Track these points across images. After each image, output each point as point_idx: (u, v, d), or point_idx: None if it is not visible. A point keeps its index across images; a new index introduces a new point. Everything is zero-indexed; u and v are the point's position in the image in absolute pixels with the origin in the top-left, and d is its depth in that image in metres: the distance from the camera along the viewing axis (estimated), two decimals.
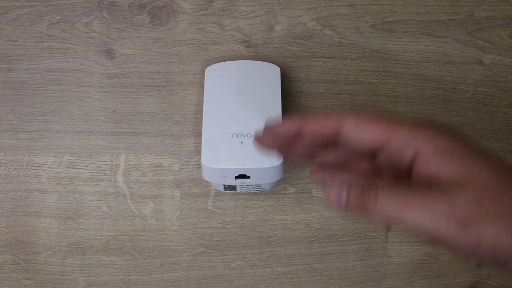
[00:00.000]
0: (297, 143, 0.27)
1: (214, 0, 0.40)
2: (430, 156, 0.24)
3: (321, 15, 0.41)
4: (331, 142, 0.26)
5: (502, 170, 0.24)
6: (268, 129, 0.27)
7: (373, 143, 0.25)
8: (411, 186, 0.24)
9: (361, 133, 0.25)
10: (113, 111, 0.40)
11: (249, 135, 0.35)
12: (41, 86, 0.40)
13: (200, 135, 0.40)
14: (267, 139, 0.27)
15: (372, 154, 0.26)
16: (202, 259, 0.41)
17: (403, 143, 0.24)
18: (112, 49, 0.40)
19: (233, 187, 0.36)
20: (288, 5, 0.41)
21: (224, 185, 0.36)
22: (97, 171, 0.40)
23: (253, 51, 0.41)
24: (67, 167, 0.40)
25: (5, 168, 0.40)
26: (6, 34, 0.39)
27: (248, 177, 0.35)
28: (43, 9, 0.39)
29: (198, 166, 0.41)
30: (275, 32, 0.41)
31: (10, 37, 0.39)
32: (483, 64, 0.42)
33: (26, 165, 0.40)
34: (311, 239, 0.42)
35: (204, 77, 0.39)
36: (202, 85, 0.40)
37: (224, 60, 0.40)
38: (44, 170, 0.40)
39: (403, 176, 0.26)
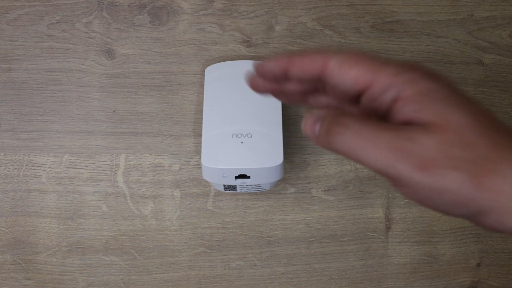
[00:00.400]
0: (287, 85, 0.27)
1: (214, 0, 0.40)
2: (411, 99, 0.23)
3: (321, 15, 0.41)
4: (319, 85, 0.26)
5: (484, 117, 0.23)
6: (257, 69, 0.27)
7: (356, 84, 0.24)
8: (382, 124, 0.22)
9: (345, 73, 0.24)
10: (113, 111, 0.40)
11: (249, 135, 0.35)
12: (41, 86, 0.40)
13: (200, 135, 0.40)
14: (258, 80, 0.27)
15: (357, 98, 0.25)
16: (202, 259, 0.41)
17: (386, 85, 0.23)
18: (112, 49, 0.40)
19: (233, 187, 0.36)
20: (288, 5, 0.41)
21: (224, 185, 0.36)
22: (97, 171, 0.40)
23: (253, 51, 0.41)
24: (67, 167, 0.40)
25: (5, 168, 0.40)
26: (6, 34, 0.39)
27: (248, 177, 0.35)
28: (43, 9, 0.39)
29: (198, 166, 0.41)
30: (275, 32, 0.41)
31: (10, 37, 0.39)
32: (483, 64, 0.42)
33: (26, 165, 0.40)
34: (311, 239, 0.42)
35: (204, 77, 0.39)
36: (202, 85, 0.40)
37: (224, 60, 0.40)
38: (44, 170, 0.40)
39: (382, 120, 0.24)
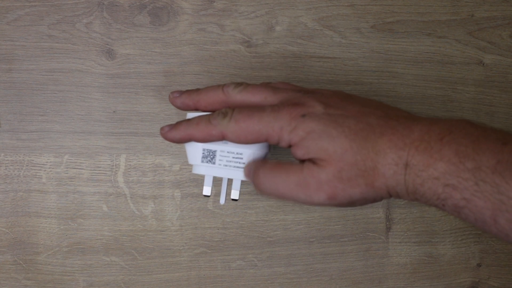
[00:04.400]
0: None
1: (215, 0, 0.40)
2: (298, 146, 0.29)
3: (321, 15, 0.41)
4: None
5: (358, 133, 0.28)
6: (171, 101, 0.33)
7: (257, 142, 0.31)
8: (291, 168, 0.29)
9: (243, 141, 0.31)
10: (114, 111, 0.40)
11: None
12: (41, 86, 0.40)
13: None
14: (169, 138, 0.32)
15: None
16: (203, 259, 0.41)
17: (277, 139, 0.30)
18: (112, 49, 0.40)
19: (213, 155, 0.33)
20: (288, 5, 0.41)
21: (203, 150, 0.33)
22: (98, 172, 0.40)
23: (253, 52, 0.41)
24: (67, 167, 0.40)
25: (6, 169, 0.40)
26: (6, 34, 0.39)
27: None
28: (44, 9, 0.39)
29: None
30: (275, 33, 0.41)
31: (11, 37, 0.39)
32: (483, 64, 0.42)
33: (27, 166, 0.40)
34: (312, 239, 0.42)
35: (203, 77, 0.39)
36: (202, 85, 0.40)
37: (224, 60, 0.40)
38: (45, 171, 0.40)
39: None
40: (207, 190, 0.35)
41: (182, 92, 0.33)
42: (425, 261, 0.42)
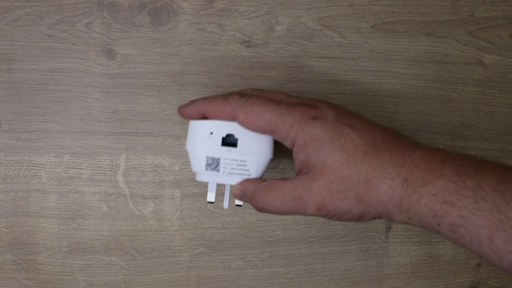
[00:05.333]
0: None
1: (215, 0, 0.40)
2: (301, 149, 0.30)
3: (321, 15, 0.41)
4: None
5: (359, 148, 0.29)
6: (180, 113, 0.33)
7: (263, 132, 0.31)
8: (283, 185, 0.30)
9: (251, 127, 0.31)
10: (114, 111, 0.40)
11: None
12: (41, 86, 0.40)
13: None
14: (184, 113, 0.33)
15: None
16: (203, 259, 0.41)
17: (283, 135, 0.30)
18: (112, 49, 0.40)
19: (217, 163, 0.33)
20: (288, 5, 0.41)
21: (207, 158, 0.33)
22: (98, 171, 0.40)
23: (253, 52, 0.41)
24: (67, 167, 0.40)
25: (6, 169, 0.40)
26: (6, 34, 0.39)
27: (236, 145, 0.33)
28: (44, 9, 0.39)
29: None
30: (275, 32, 0.41)
31: (11, 37, 0.39)
32: (483, 64, 0.42)
33: (27, 165, 0.40)
34: (312, 239, 0.42)
35: (203, 77, 0.39)
36: (202, 85, 0.40)
37: (224, 60, 0.40)
38: (45, 170, 0.40)
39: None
40: (211, 197, 0.35)
41: (189, 102, 0.33)
42: (425, 261, 0.42)
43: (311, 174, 0.29)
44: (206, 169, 0.33)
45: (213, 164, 0.33)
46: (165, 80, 0.40)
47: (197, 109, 0.32)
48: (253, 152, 0.33)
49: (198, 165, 0.33)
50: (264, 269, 0.42)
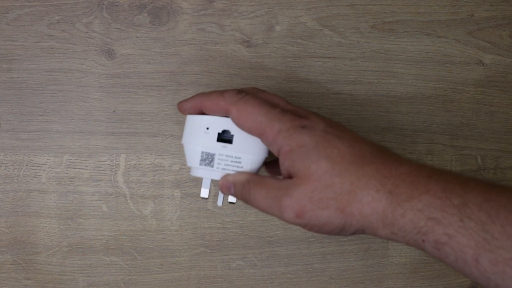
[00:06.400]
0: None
1: (214, 0, 0.40)
2: (287, 155, 0.29)
3: (321, 15, 0.41)
4: None
5: (339, 163, 0.28)
6: (178, 108, 0.34)
7: (252, 133, 0.31)
8: (270, 184, 0.30)
9: (241, 125, 0.31)
10: (113, 111, 0.40)
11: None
12: (41, 86, 0.40)
13: None
14: (182, 108, 0.34)
15: None
16: (202, 259, 0.41)
17: (270, 140, 0.30)
18: (112, 49, 0.40)
19: (211, 158, 0.33)
20: (288, 5, 0.41)
21: (202, 153, 0.33)
22: (97, 171, 0.40)
23: (253, 51, 0.41)
24: (67, 167, 0.40)
25: (5, 168, 0.40)
26: (6, 34, 0.39)
27: (231, 142, 0.33)
28: (43, 9, 0.39)
29: None
30: (275, 32, 0.41)
31: (10, 37, 0.39)
32: (483, 64, 0.42)
33: (26, 165, 0.40)
34: (311, 239, 0.42)
35: (203, 77, 0.39)
36: (202, 85, 0.40)
37: (225, 60, 0.40)
38: (44, 170, 0.40)
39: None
40: (204, 193, 0.35)
41: (188, 98, 0.34)
42: (424, 261, 0.42)
43: (294, 179, 0.29)
44: (201, 164, 0.33)
45: (208, 159, 0.33)
46: (165, 80, 0.40)
47: (194, 103, 0.33)
48: (248, 150, 0.32)
49: (193, 160, 0.33)
50: (264, 269, 0.42)
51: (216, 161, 0.33)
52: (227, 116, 0.32)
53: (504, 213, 0.24)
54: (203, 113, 0.33)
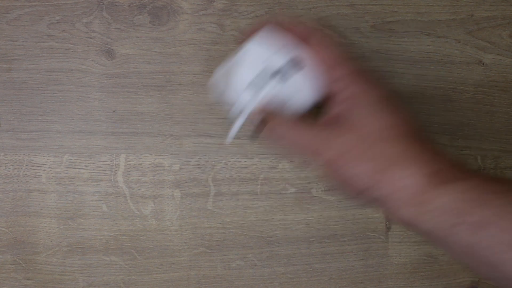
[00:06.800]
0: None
1: (214, 0, 0.40)
2: (346, 99, 0.29)
3: (321, 15, 0.41)
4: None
5: (402, 126, 0.28)
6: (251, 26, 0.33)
7: (320, 63, 0.31)
8: (313, 123, 0.30)
9: (318, 51, 0.31)
10: (113, 111, 0.40)
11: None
12: (41, 86, 0.40)
13: (200, 135, 0.40)
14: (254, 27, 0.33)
15: None
16: (202, 259, 0.41)
17: (337, 77, 0.29)
18: (112, 49, 0.40)
19: (261, 86, 0.31)
20: (288, 5, 0.40)
21: (260, 74, 0.31)
22: (97, 171, 0.40)
23: None
24: (67, 167, 0.40)
25: (5, 168, 0.40)
26: (6, 34, 0.39)
27: (284, 81, 0.31)
28: (43, 9, 0.39)
29: (198, 166, 0.41)
30: None
31: (10, 37, 0.39)
32: (483, 64, 0.42)
33: (26, 165, 0.40)
34: (311, 239, 0.42)
35: (203, 77, 0.39)
36: (202, 85, 0.40)
37: (224, 60, 0.40)
38: (44, 170, 0.40)
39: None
40: (234, 131, 0.33)
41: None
42: (424, 261, 0.42)
43: (343, 126, 0.28)
44: (248, 87, 0.31)
45: (258, 84, 0.31)
46: (165, 80, 0.40)
47: (271, 22, 0.32)
48: (299, 91, 0.31)
49: (244, 77, 0.31)
50: (263, 269, 0.42)
51: (264, 91, 0.31)
52: (302, 44, 0.31)
53: None
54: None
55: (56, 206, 0.40)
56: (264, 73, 0.31)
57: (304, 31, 0.31)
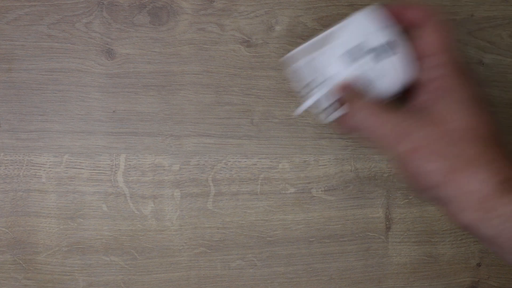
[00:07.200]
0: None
1: (214, 0, 0.40)
2: (436, 89, 0.28)
3: (321, 15, 0.41)
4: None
5: (484, 128, 0.27)
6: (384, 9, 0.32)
7: (428, 48, 0.30)
8: (394, 108, 0.29)
9: (426, 36, 0.30)
10: (113, 111, 0.40)
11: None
12: (41, 86, 0.40)
13: (200, 135, 0.40)
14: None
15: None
16: (202, 259, 0.41)
17: (436, 63, 0.29)
18: (112, 49, 0.40)
19: (357, 57, 0.30)
20: (288, 5, 0.41)
21: (358, 45, 0.30)
22: (97, 171, 0.40)
23: (253, 51, 0.41)
24: (67, 167, 0.40)
25: (5, 168, 0.40)
26: (6, 34, 0.39)
27: (379, 60, 0.30)
28: (43, 9, 0.39)
29: (198, 166, 0.41)
30: (275, 32, 0.41)
31: (10, 37, 0.39)
32: (483, 64, 0.42)
33: (26, 165, 0.40)
34: (311, 239, 0.42)
35: (203, 77, 0.39)
36: (202, 85, 0.40)
37: (224, 60, 0.40)
38: (44, 170, 0.40)
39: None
40: (309, 103, 0.32)
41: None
42: (424, 260, 0.42)
43: (428, 118, 0.28)
44: (342, 56, 0.30)
45: (355, 55, 0.30)
46: (165, 80, 0.40)
47: (395, 10, 0.31)
48: (392, 73, 0.30)
49: (343, 45, 0.31)
50: (263, 269, 0.42)
51: (359, 62, 0.30)
52: (419, 26, 0.30)
53: None
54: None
55: (56, 206, 0.40)
56: (361, 47, 0.30)
57: (419, 13, 0.30)
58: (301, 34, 0.41)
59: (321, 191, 0.41)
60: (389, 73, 0.31)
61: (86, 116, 0.40)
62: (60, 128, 0.40)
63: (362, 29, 0.31)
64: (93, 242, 0.41)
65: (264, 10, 0.40)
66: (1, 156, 0.40)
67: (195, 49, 0.40)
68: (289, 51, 0.41)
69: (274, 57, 0.41)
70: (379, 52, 0.30)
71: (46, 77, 0.40)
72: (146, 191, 0.41)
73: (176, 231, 0.41)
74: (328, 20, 0.41)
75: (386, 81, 0.31)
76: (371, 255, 0.42)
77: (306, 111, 0.34)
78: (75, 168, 0.40)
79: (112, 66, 0.40)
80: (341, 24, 0.32)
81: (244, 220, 0.41)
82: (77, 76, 0.40)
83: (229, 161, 0.41)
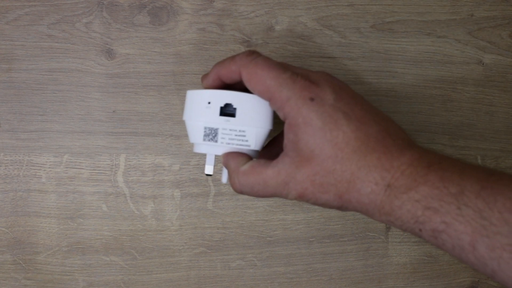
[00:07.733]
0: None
1: (214, 0, 0.40)
2: (292, 128, 0.29)
3: (321, 15, 0.41)
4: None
5: (342, 149, 0.28)
6: (202, 83, 0.34)
7: (262, 96, 0.30)
8: (263, 168, 0.30)
9: (252, 88, 0.30)
10: (113, 111, 0.40)
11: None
12: (41, 86, 0.40)
13: None
14: (204, 84, 0.34)
15: None
16: (202, 259, 0.41)
17: (278, 106, 0.29)
18: (112, 49, 0.40)
19: (215, 133, 0.32)
20: (288, 5, 0.41)
21: (205, 128, 0.32)
22: (97, 171, 0.40)
23: None
24: (67, 167, 0.40)
25: (5, 168, 0.40)
26: (6, 34, 0.39)
27: (234, 116, 0.32)
28: (43, 9, 0.39)
29: (198, 166, 0.41)
30: (275, 32, 0.41)
31: (10, 37, 0.39)
32: (483, 64, 0.42)
33: (26, 165, 0.40)
34: (311, 239, 0.42)
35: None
36: (201, 85, 0.40)
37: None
38: (44, 170, 0.40)
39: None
40: (209, 169, 0.34)
41: (208, 72, 0.33)
42: (424, 260, 0.42)
43: (296, 160, 0.29)
44: (204, 140, 0.32)
45: (211, 134, 0.32)
46: (164, 80, 0.40)
47: (213, 76, 0.32)
48: (252, 122, 0.32)
49: (196, 136, 0.32)
50: (263, 268, 0.42)
51: (220, 136, 0.32)
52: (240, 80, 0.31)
53: (502, 199, 0.24)
54: (224, 84, 0.33)
55: (56, 206, 0.40)
56: (209, 128, 0.32)
57: (233, 67, 0.31)
58: (301, 34, 0.41)
59: None
60: (249, 123, 0.32)
61: (86, 116, 0.40)
62: (60, 128, 0.40)
63: (197, 114, 0.32)
64: (93, 242, 0.41)
65: (264, 10, 0.40)
66: (1, 156, 0.40)
67: (195, 49, 0.40)
68: (289, 51, 0.41)
69: (274, 57, 0.41)
70: (228, 115, 0.32)
71: (46, 77, 0.40)
72: (146, 191, 0.41)
73: (176, 231, 0.41)
74: (328, 20, 0.41)
75: (253, 129, 0.32)
76: (371, 255, 0.42)
77: None
78: (75, 168, 0.40)
79: (112, 66, 0.40)
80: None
81: (244, 220, 0.41)
82: (77, 76, 0.40)
83: None
